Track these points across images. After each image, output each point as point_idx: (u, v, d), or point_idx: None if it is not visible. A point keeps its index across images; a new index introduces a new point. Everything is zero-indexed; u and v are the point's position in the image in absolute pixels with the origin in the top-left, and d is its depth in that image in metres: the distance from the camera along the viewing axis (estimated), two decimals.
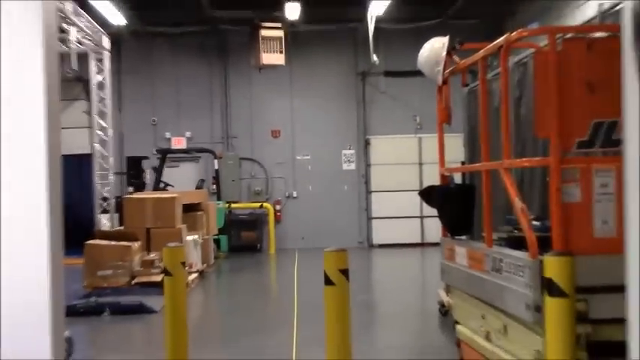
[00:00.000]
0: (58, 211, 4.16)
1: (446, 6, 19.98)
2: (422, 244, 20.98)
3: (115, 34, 20.66)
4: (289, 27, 20.20)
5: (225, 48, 22.13)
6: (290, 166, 22.61)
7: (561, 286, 4.00)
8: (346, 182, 22.67)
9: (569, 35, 5.73)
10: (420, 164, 21.87)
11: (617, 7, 14.14)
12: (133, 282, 13.12)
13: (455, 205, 6.36)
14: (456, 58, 6.55)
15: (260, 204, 21.44)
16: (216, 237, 18.79)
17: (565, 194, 4.78)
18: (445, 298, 9.24)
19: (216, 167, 20.72)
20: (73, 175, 18.95)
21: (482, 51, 5.88)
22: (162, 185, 19.26)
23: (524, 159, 5.68)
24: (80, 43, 19.24)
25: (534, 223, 5.02)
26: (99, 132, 20.35)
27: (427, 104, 18.91)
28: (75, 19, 17.66)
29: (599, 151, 4.95)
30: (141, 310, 11.36)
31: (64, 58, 18.09)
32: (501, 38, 5.42)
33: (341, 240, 18.50)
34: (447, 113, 6.66)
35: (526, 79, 5.89)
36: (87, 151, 20.61)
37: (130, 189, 19.35)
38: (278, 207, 22.09)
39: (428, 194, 6.77)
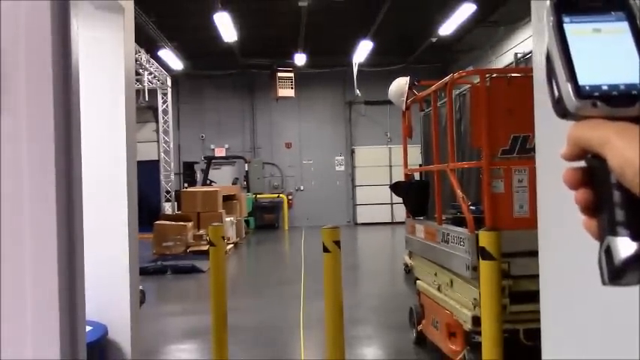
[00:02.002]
0: (134, 200, 4.14)
1: (408, 55, 19.96)
2: (392, 223, 20.95)
3: (175, 76, 20.66)
4: (298, 70, 20.20)
5: (252, 85, 22.08)
6: (298, 168, 22.57)
7: (491, 252, 3.98)
8: (338, 179, 22.63)
9: (494, 75, 5.71)
10: (390, 166, 21.84)
11: (527, 56, 14.08)
12: (188, 250, 13.12)
13: (415, 195, 6.33)
14: (415, 91, 6.52)
15: (277, 195, 21.40)
16: (246, 218, 18.76)
17: (493, 187, 4.76)
18: (408, 261, 9.23)
19: (247, 169, 20.73)
20: (145, 175, 18.86)
21: (433, 86, 5.86)
22: (208, 182, 19.24)
23: (464, 162, 5.65)
24: (151, 82, 19.24)
25: (471, 207, 5.00)
26: (163, 144, 20.33)
27: (395, 124, 18.95)
28: (147, 65, 17.64)
29: (516, 156, 4.92)
30: (193, 270, 11.35)
31: (139, 92, 18.09)
32: (447, 77, 5.40)
33: (334, 220, 18.45)
34: (409, 130, 6.62)
35: (465, 106, 5.86)
36: (155, 158, 20.60)
37: (186, 185, 19.34)
38: (290, 197, 22.05)
39: (396, 187, 6.73)
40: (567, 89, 0.63)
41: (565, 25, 0.65)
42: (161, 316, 8.20)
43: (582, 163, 0.64)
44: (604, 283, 0.61)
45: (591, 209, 0.63)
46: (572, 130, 0.63)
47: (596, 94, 0.62)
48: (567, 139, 0.63)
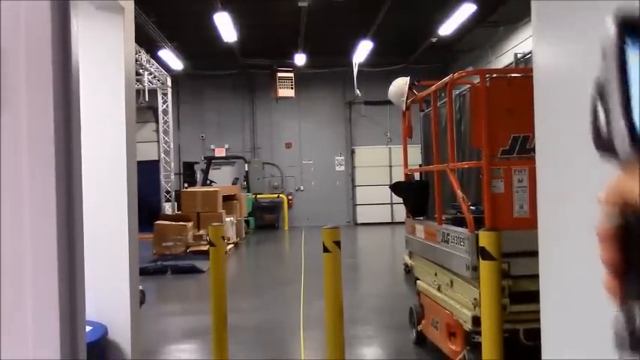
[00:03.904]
0: (134, 200, 4.14)
1: (408, 55, 19.96)
2: (392, 223, 20.94)
3: (175, 76, 20.67)
4: (298, 70, 20.20)
5: (252, 85, 22.08)
6: (298, 168, 22.57)
7: (491, 252, 3.98)
8: (338, 179, 22.63)
9: (494, 75, 5.71)
10: (390, 166, 21.84)
11: (527, 56, 14.08)
12: (188, 250, 13.12)
13: (415, 195, 6.33)
14: (415, 91, 6.52)
15: (277, 195, 21.40)
16: (246, 218, 18.76)
17: (493, 187, 4.76)
18: (408, 261, 9.22)
19: (247, 169, 20.73)
20: (145, 175, 18.80)
21: (433, 86, 5.85)
22: (208, 182, 19.24)
23: (464, 162, 5.64)
24: (151, 82, 19.24)
25: (471, 207, 4.99)
26: (163, 144, 20.33)
27: (395, 124, 18.95)
28: (147, 65, 17.65)
29: (516, 156, 4.92)
30: (193, 270, 11.35)
31: (139, 93, 18.10)
32: (447, 77, 5.40)
33: (334, 220, 18.45)
34: (409, 130, 6.62)
35: (465, 106, 5.86)
36: (155, 158, 20.60)
37: (186, 185, 19.34)
38: (290, 197, 22.05)
39: (396, 187, 6.73)
40: (623, 133, 0.54)
41: (627, 52, 0.55)
42: (161, 316, 8.19)
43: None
44: (618, 348, 0.56)
45: (618, 270, 0.58)
46: (620, 181, 0.57)
47: None
48: (612, 187, 0.58)
